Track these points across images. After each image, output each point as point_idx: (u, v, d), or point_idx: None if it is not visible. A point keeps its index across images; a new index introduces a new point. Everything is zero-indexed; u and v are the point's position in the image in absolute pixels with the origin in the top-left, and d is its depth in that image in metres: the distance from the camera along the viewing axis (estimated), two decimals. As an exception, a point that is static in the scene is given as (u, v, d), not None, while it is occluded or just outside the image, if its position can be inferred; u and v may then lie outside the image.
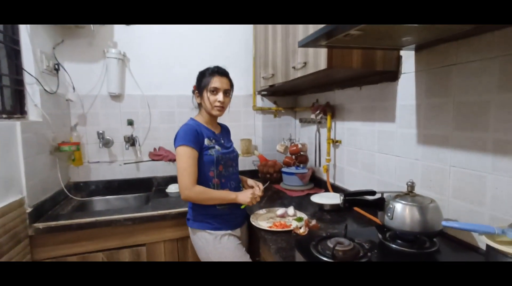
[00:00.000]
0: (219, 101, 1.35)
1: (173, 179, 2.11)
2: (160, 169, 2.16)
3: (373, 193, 1.03)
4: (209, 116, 1.42)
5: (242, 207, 1.35)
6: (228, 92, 1.40)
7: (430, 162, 1.15)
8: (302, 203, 1.68)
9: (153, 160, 2.16)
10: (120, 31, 2.05)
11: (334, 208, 1.52)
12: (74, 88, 1.95)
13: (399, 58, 1.27)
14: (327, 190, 1.85)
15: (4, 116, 1.37)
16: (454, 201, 1.06)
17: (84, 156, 2.03)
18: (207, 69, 1.41)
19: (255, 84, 2.25)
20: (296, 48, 1.46)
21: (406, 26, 0.82)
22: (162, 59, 2.14)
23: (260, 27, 2.03)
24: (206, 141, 1.35)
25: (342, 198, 1.01)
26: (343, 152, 1.76)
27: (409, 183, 1.04)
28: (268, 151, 2.35)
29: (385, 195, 1.05)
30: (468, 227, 0.83)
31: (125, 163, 2.09)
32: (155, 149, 2.19)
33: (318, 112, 1.80)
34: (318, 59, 1.25)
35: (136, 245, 1.58)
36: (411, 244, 1.00)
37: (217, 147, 1.37)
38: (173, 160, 2.15)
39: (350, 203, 1.03)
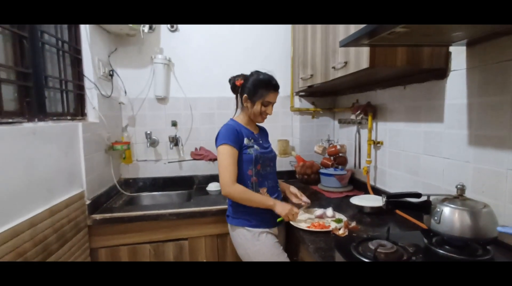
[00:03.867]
0: (267, 113, 1.43)
1: (213, 178, 2.19)
2: (201, 168, 2.26)
3: (418, 195, 0.99)
4: (249, 118, 1.47)
5: (278, 220, 1.36)
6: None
7: (483, 165, 1.07)
8: (341, 204, 1.66)
9: (194, 159, 2.26)
10: (165, 37, 2.19)
11: (375, 210, 1.48)
12: (125, 92, 2.12)
13: (448, 55, 1.21)
14: (367, 192, 1.80)
15: (68, 117, 1.54)
16: (511, 207, 0.98)
17: (133, 154, 2.19)
18: (268, 81, 1.41)
19: (293, 85, 2.26)
20: (337, 48, 1.45)
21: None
22: (203, 63, 2.24)
23: (299, 27, 2.04)
24: (246, 141, 1.40)
25: (384, 199, 0.98)
26: (385, 154, 1.70)
27: (458, 186, 0.98)
28: (306, 152, 2.34)
29: (431, 198, 1.00)
30: (528, 235, 0.76)
31: (169, 162, 2.22)
32: (196, 149, 2.30)
33: (358, 112, 1.77)
34: (359, 58, 1.23)
35: (179, 239, 1.68)
36: (460, 250, 0.94)
37: (255, 146, 1.41)
38: (213, 160, 2.24)
39: (393, 205, 1.00)
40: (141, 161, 2.20)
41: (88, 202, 1.55)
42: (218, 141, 1.38)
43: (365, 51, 1.18)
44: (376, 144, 1.75)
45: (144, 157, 2.22)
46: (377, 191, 1.74)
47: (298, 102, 2.34)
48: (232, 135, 1.36)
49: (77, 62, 1.66)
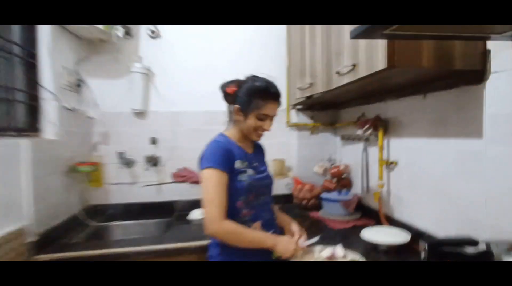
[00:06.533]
0: (264, 129, 1.13)
1: (197, 204, 1.85)
2: (183, 192, 1.95)
3: (474, 242, 0.70)
4: (243, 134, 1.18)
5: (274, 257, 1.06)
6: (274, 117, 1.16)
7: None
8: (349, 238, 1.37)
9: (176, 181, 1.96)
10: (146, 45, 1.94)
11: (392, 249, 1.19)
12: (97, 105, 1.84)
13: (485, 54, 0.96)
14: (378, 222, 1.51)
15: (12, 133, 1.24)
16: None
17: (104, 177, 1.89)
18: (266, 88, 1.12)
19: (289, 97, 2.00)
20: (341, 49, 1.21)
21: None
22: (188, 73, 1.99)
23: (296, 32, 1.81)
24: (238, 163, 1.09)
25: (426, 246, 0.69)
26: (401, 176, 1.42)
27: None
28: (304, 173, 2.06)
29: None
30: None
31: (146, 185, 1.92)
32: (179, 169, 2.00)
33: (366, 127, 1.50)
34: (373, 58, 0.98)
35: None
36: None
37: (249, 171, 1.11)
38: (197, 182, 1.94)
39: (439, 255, 0.70)
40: (113, 184, 1.89)
41: (32, 239, 1.23)
42: (203, 163, 1.07)
43: (380, 47, 0.93)
44: (389, 164, 1.47)
45: (117, 179, 1.91)
46: (393, 222, 1.44)
47: (295, 117, 2.08)
48: (221, 156, 1.05)
49: (30, 68, 1.39)
